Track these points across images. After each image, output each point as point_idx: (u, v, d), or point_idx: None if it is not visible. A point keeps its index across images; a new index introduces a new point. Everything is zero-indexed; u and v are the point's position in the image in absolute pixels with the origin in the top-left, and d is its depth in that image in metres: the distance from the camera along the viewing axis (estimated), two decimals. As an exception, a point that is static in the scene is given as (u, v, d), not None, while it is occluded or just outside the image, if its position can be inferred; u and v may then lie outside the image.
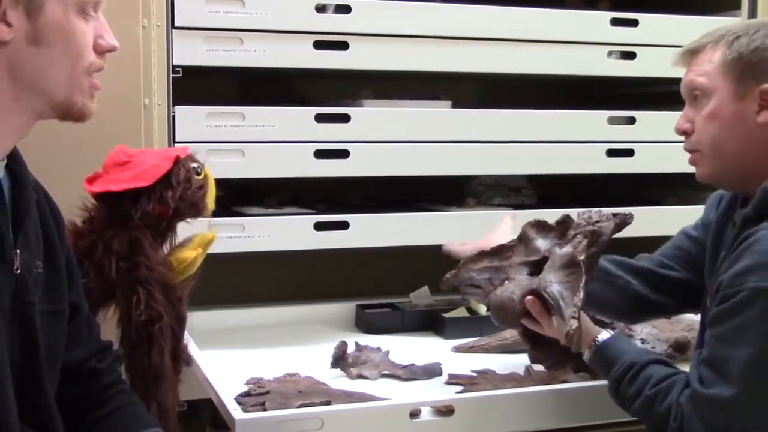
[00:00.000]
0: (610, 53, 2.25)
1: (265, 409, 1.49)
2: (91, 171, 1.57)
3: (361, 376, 1.75)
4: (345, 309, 2.25)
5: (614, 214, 1.57)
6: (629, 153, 2.27)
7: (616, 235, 1.58)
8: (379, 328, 2.14)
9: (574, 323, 1.41)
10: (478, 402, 1.55)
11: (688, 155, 1.46)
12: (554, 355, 1.60)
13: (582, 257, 1.48)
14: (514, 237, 1.66)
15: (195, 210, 1.61)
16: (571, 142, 2.24)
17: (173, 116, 1.88)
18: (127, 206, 1.52)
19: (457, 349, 1.98)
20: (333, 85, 2.34)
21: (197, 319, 1.80)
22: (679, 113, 1.47)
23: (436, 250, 1.86)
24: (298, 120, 2.00)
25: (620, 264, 1.68)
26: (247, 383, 1.66)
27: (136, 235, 1.53)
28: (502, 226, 1.83)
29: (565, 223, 1.58)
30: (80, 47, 1.15)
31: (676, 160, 2.11)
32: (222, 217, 1.90)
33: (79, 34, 1.14)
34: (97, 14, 1.18)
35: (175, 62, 1.88)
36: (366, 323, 2.18)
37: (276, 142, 1.98)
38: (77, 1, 1.14)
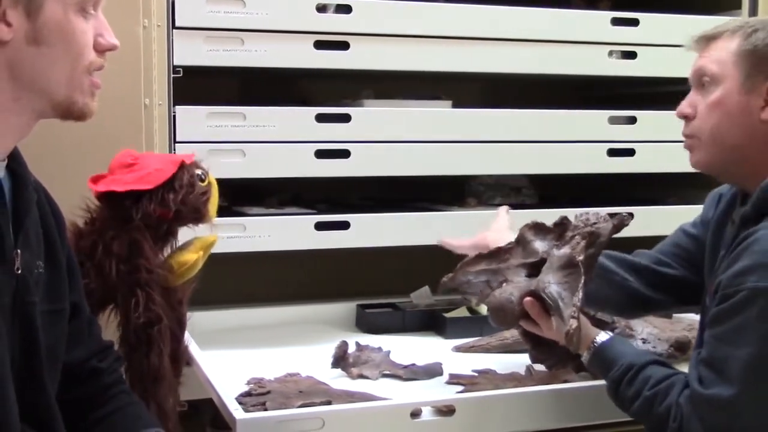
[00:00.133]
0: (610, 53, 2.25)
1: (265, 409, 1.49)
2: (92, 171, 1.57)
3: (362, 376, 1.75)
4: (346, 309, 2.26)
5: (612, 215, 1.57)
6: (630, 153, 2.27)
7: (617, 235, 1.58)
8: (379, 328, 2.14)
9: (573, 323, 1.40)
10: (479, 402, 1.55)
11: (685, 140, 1.46)
12: (555, 354, 1.60)
13: (580, 258, 1.48)
14: (511, 230, 1.66)
15: (196, 215, 1.61)
16: (572, 142, 2.24)
17: (174, 116, 1.88)
18: (128, 206, 1.53)
19: (458, 349, 1.98)
20: (334, 85, 2.34)
21: (198, 319, 1.80)
22: (678, 115, 1.47)
23: (436, 250, 1.86)
24: (298, 120, 2.00)
25: (618, 260, 1.68)
26: (248, 383, 1.66)
27: (136, 237, 1.53)
28: (498, 220, 1.83)
29: (562, 224, 1.57)
30: (80, 46, 1.14)
31: (676, 160, 2.11)
32: (223, 217, 1.90)
33: (79, 33, 1.14)
34: (96, 13, 1.18)
35: (176, 62, 1.88)
36: (367, 323, 2.18)
37: (277, 142, 1.99)
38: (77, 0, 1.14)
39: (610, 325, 1.78)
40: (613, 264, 1.66)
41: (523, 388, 1.61)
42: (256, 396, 1.57)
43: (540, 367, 1.70)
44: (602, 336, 1.45)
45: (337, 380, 1.73)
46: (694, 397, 1.29)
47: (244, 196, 2.16)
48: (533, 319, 1.50)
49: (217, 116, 1.93)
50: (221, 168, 1.79)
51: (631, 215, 1.59)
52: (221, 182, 1.69)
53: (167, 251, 1.64)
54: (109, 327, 1.54)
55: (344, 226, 2.05)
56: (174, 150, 1.88)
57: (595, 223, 1.54)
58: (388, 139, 2.07)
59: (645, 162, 2.28)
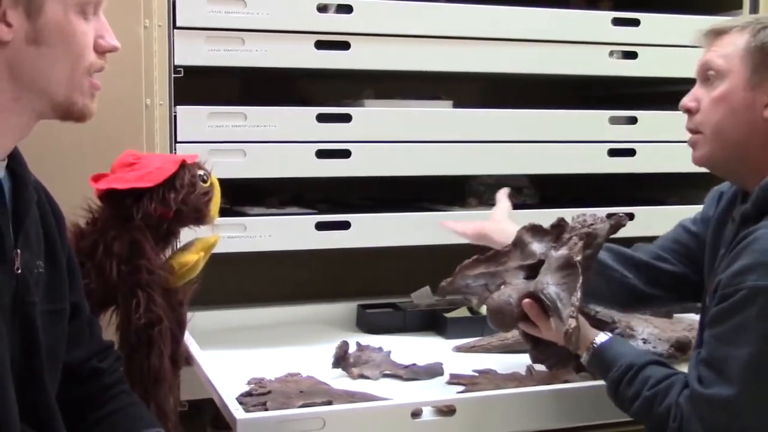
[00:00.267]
0: (611, 53, 2.25)
1: (266, 409, 1.49)
2: (93, 171, 1.57)
3: (362, 376, 1.75)
4: (346, 309, 2.26)
5: (609, 216, 1.56)
6: (630, 153, 2.27)
7: (618, 236, 1.58)
8: (380, 328, 2.14)
9: (572, 322, 1.41)
10: (480, 402, 1.55)
11: (689, 135, 1.46)
12: (556, 354, 1.60)
13: (578, 258, 1.48)
14: (510, 219, 1.65)
15: (197, 216, 1.61)
16: (573, 142, 2.24)
17: (175, 116, 1.88)
18: (129, 205, 1.53)
19: (459, 349, 1.98)
20: (334, 85, 2.34)
21: (199, 319, 1.80)
22: (680, 113, 1.47)
23: (437, 249, 1.87)
24: (299, 120, 2.01)
25: (617, 256, 1.68)
26: (249, 383, 1.66)
27: (137, 237, 1.53)
28: (499, 204, 1.84)
29: (560, 226, 1.57)
30: (80, 47, 1.15)
31: (677, 160, 2.12)
32: (223, 217, 1.90)
33: (80, 35, 1.14)
34: (97, 14, 1.18)
35: (177, 62, 1.88)
36: (367, 323, 2.18)
37: (277, 142, 1.99)
38: (78, 1, 1.13)
39: (610, 326, 1.79)
40: (612, 260, 1.66)
41: (523, 388, 1.61)
42: (257, 396, 1.57)
43: (540, 368, 1.70)
44: (601, 337, 1.45)
45: (338, 380, 1.73)
46: (694, 397, 1.29)
47: (244, 196, 2.17)
48: (532, 320, 1.50)
49: (217, 116, 1.94)
50: (222, 168, 1.79)
51: (630, 215, 1.59)
52: (222, 182, 1.69)
53: (168, 252, 1.64)
54: (110, 327, 1.54)
55: (345, 226, 2.05)
56: (175, 150, 1.88)
57: (592, 224, 1.54)
58: (389, 139, 2.08)
59: (645, 162, 2.28)
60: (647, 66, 2.27)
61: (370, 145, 2.06)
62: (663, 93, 2.19)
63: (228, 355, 1.89)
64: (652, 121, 2.28)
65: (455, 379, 1.73)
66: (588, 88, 2.67)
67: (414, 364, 1.80)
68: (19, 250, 1.16)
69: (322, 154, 2.01)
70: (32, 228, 1.21)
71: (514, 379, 1.72)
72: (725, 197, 1.52)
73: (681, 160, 1.52)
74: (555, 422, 1.56)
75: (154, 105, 1.84)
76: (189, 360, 1.71)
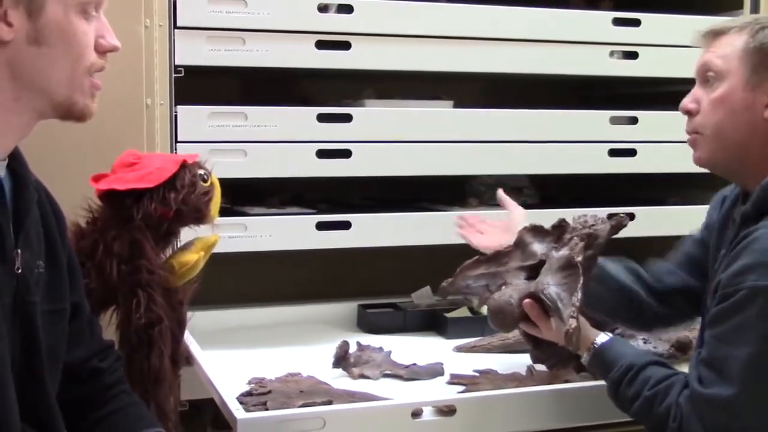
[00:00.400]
0: (612, 53, 2.25)
1: (266, 409, 1.50)
2: (93, 171, 1.57)
3: (363, 376, 1.75)
4: (347, 309, 2.26)
5: (610, 216, 1.56)
6: (631, 153, 2.27)
7: (619, 236, 1.57)
8: (380, 328, 2.14)
9: (573, 322, 1.40)
10: (480, 402, 1.55)
11: (688, 136, 1.45)
12: (556, 354, 1.60)
13: (579, 259, 1.48)
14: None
15: (198, 215, 1.61)
16: (573, 142, 2.24)
17: (175, 116, 1.88)
18: (129, 205, 1.53)
19: (459, 349, 1.98)
20: (335, 85, 2.35)
21: (199, 319, 1.80)
22: (681, 113, 1.47)
23: (437, 250, 1.87)
24: (300, 120, 2.01)
25: (634, 276, 1.67)
26: (249, 383, 1.67)
27: (137, 237, 1.53)
28: (514, 211, 1.83)
29: (560, 227, 1.57)
30: (81, 47, 1.15)
31: (678, 160, 2.12)
32: (224, 217, 1.90)
33: (80, 34, 1.14)
34: (98, 14, 1.18)
35: (178, 62, 1.88)
36: (368, 323, 2.18)
37: (278, 142, 1.99)
38: (78, 1, 1.13)
39: (610, 326, 1.78)
40: (629, 280, 1.65)
41: (524, 389, 1.61)
42: (257, 396, 1.57)
43: (541, 368, 1.69)
44: (602, 337, 1.45)
45: (338, 380, 1.73)
46: (694, 397, 1.28)
47: (245, 195, 2.17)
48: (533, 321, 1.50)
49: (218, 116, 1.94)
50: (223, 168, 1.79)
51: (631, 216, 1.59)
52: (222, 182, 1.69)
53: (168, 252, 1.64)
54: (110, 327, 1.54)
55: (345, 226, 2.05)
56: (175, 150, 1.88)
57: (593, 225, 1.54)
58: (389, 139, 2.08)
59: (646, 162, 2.28)
60: (648, 66, 2.27)
61: (371, 145, 2.06)
62: (664, 93, 2.18)
63: (228, 355, 1.89)
64: (652, 122, 2.28)
65: (456, 379, 1.73)
66: (589, 88, 2.66)
67: (414, 364, 1.80)
68: (19, 250, 1.16)
69: (322, 154, 2.01)
70: (33, 228, 1.21)
71: (514, 379, 1.72)
72: (728, 200, 1.51)
73: (682, 161, 1.52)
74: (555, 422, 1.56)
75: (154, 105, 1.84)
76: (189, 360, 1.71)
